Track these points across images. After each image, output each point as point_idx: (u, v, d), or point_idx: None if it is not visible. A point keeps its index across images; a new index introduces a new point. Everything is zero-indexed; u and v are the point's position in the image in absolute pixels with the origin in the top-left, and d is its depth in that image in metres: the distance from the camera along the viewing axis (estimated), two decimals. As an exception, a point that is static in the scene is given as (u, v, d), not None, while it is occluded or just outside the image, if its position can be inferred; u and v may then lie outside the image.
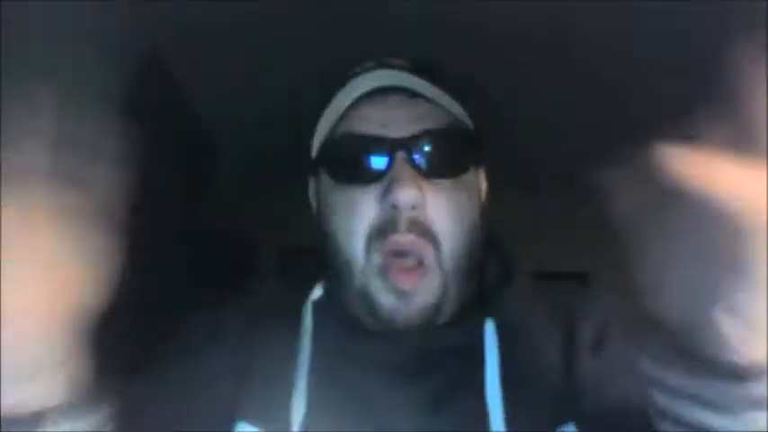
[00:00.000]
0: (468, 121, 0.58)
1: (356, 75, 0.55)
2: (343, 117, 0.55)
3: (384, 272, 0.52)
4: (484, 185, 0.62)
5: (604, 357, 0.54)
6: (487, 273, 0.60)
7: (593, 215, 0.54)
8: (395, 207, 0.51)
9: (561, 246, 1.85)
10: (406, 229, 0.51)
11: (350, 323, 0.55)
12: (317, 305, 0.57)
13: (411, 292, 0.51)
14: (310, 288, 0.59)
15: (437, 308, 0.53)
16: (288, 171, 1.00)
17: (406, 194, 0.50)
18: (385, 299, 0.52)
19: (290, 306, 0.58)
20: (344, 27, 1.14)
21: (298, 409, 0.51)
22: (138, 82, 1.13)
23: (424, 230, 0.52)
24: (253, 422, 0.51)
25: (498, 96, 1.26)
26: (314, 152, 0.59)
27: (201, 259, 1.56)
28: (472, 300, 0.57)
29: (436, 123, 0.54)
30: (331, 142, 0.56)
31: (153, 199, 0.59)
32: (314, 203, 0.61)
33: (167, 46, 1.15)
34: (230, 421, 0.51)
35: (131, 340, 0.64)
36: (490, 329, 0.54)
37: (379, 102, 0.54)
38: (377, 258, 0.52)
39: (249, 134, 1.52)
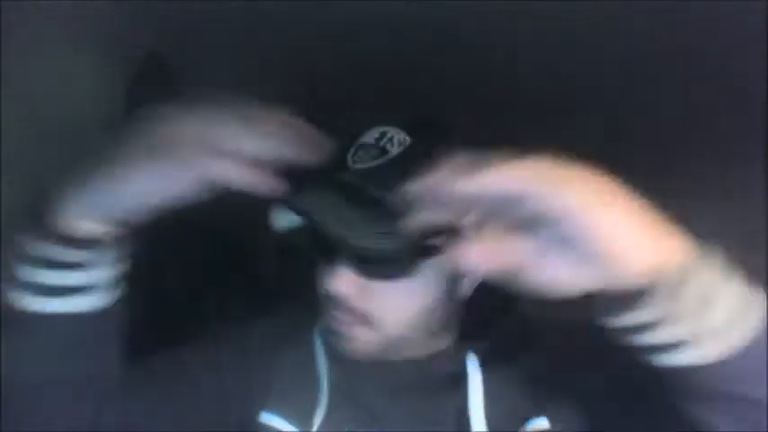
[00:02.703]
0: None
1: None
2: None
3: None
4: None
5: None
6: (477, 307, 0.65)
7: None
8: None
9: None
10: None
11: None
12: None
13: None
14: None
15: (387, 350, 0.60)
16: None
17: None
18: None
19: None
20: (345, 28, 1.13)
21: (319, 413, 0.61)
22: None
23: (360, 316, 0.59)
24: (282, 417, 0.62)
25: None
26: None
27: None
28: (456, 332, 0.65)
29: None
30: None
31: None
32: None
33: (167, 46, 1.15)
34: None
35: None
36: (473, 361, 0.61)
37: None
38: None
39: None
